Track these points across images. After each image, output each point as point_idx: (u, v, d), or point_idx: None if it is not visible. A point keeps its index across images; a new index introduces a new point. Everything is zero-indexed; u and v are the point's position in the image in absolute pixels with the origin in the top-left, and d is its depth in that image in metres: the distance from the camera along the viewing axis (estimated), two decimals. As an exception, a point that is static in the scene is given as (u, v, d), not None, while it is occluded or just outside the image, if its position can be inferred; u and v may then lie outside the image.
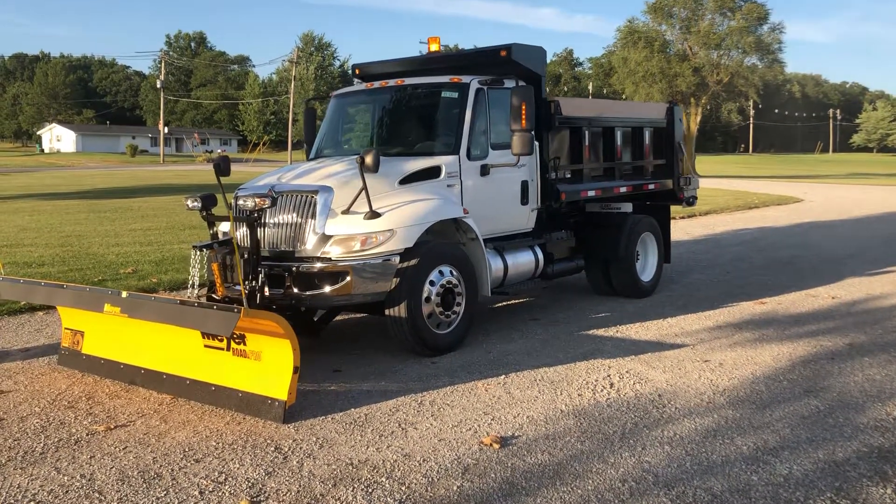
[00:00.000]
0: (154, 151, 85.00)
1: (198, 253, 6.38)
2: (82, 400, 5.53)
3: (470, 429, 4.90)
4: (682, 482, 4.08)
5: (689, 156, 11.54)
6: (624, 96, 52.41)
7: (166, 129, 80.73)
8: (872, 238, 15.56)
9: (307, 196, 6.41)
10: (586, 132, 8.82)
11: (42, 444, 4.68)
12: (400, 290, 6.32)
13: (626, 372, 6.11)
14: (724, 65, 48.61)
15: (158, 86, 79.28)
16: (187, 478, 4.18)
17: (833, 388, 5.69)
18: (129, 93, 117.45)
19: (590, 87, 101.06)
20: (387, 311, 6.41)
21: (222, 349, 5.21)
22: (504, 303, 9.10)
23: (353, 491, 4.01)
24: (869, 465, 4.29)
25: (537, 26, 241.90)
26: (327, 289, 6.19)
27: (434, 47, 8.66)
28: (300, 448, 4.58)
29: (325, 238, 6.29)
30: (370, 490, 4.02)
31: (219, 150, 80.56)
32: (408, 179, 6.78)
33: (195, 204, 6.25)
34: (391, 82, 7.97)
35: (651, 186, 9.78)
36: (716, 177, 43.11)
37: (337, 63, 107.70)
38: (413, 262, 6.37)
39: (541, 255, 8.09)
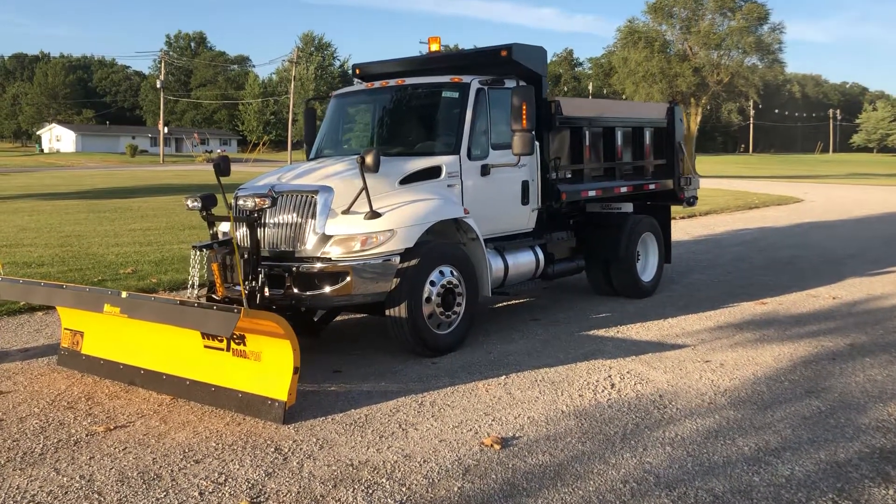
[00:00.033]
0: (154, 151, 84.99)
1: (197, 253, 6.36)
2: (82, 400, 5.51)
3: (471, 429, 4.89)
4: (684, 483, 4.07)
5: (689, 156, 11.51)
6: (624, 96, 52.39)
7: (166, 130, 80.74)
8: (873, 238, 15.55)
9: (307, 196, 6.40)
10: (587, 132, 8.81)
11: (41, 445, 4.66)
12: (400, 290, 6.30)
13: (627, 372, 6.09)
14: (725, 65, 48.62)
15: (158, 86, 79.31)
16: (187, 479, 4.16)
17: (834, 389, 5.68)
18: (129, 93, 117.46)
19: (590, 88, 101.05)
20: (387, 312, 6.39)
21: (222, 349, 5.19)
22: (504, 303, 9.08)
23: (353, 492, 3.99)
24: (871, 466, 4.27)
25: (537, 26, 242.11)
26: (327, 289, 6.17)
27: (434, 47, 8.65)
28: (300, 449, 4.57)
29: (325, 238, 6.28)
30: (370, 491, 4.01)
31: (218, 150, 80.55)
32: (408, 179, 6.77)
33: (195, 204, 6.24)
34: (391, 82, 7.95)
35: (651, 186, 9.77)
36: (716, 177, 43.08)
37: (337, 63, 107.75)
38: (413, 262, 6.36)
39: (541, 256, 8.08)
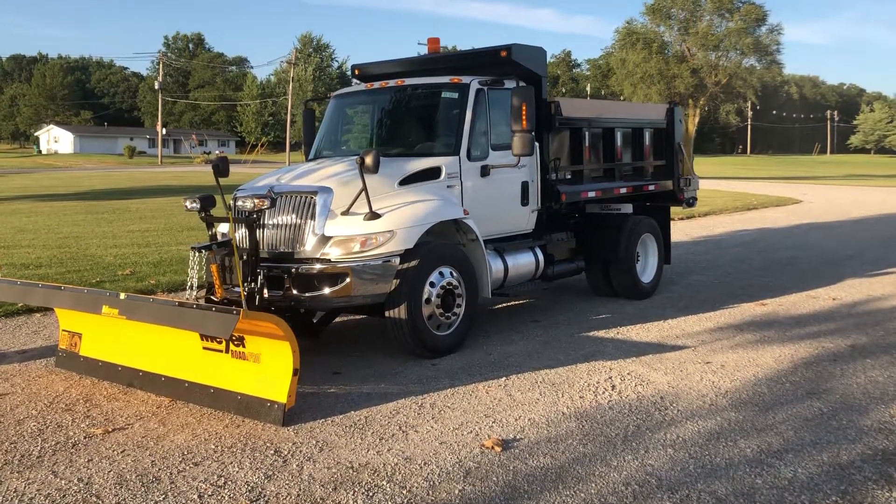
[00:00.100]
0: (152, 153, 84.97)
1: (196, 254, 6.34)
2: (80, 402, 5.48)
3: (471, 431, 4.86)
4: (686, 485, 4.05)
5: (687, 157, 11.51)
6: (622, 97, 52.45)
7: (164, 131, 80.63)
8: (872, 239, 15.55)
9: (306, 197, 6.37)
10: (586, 133, 8.79)
11: (39, 448, 4.63)
12: (400, 291, 6.28)
13: (628, 374, 6.07)
14: (723, 66, 48.70)
15: (156, 87, 79.27)
16: (186, 481, 4.13)
17: (836, 391, 5.66)
18: (127, 94, 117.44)
19: (588, 89, 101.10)
20: (387, 313, 6.37)
21: (221, 351, 5.16)
22: (504, 304, 9.06)
23: (353, 494, 3.97)
24: (874, 468, 4.26)
25: (535, 27, 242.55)
26: (327, 290, 6.15)
27: (434, 48, 8.63)
28: (300, 451, 4.54)
29: (324, 239, 6.25)
30: (371, 494, 3.98)
31: (217, 152, 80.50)
32: (408, 180, 6.74)
33: (193, 205, 6.22)
34: (391, 83, 7.93)
35: (651, 187, 9.75)
36: (714, 178, 43.09)
37: (335, 64, 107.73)
38: (413, 263, 6.33)
39: (541, 257, 8.06)
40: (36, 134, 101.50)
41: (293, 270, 6.21)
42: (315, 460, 4.41)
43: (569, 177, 8.61)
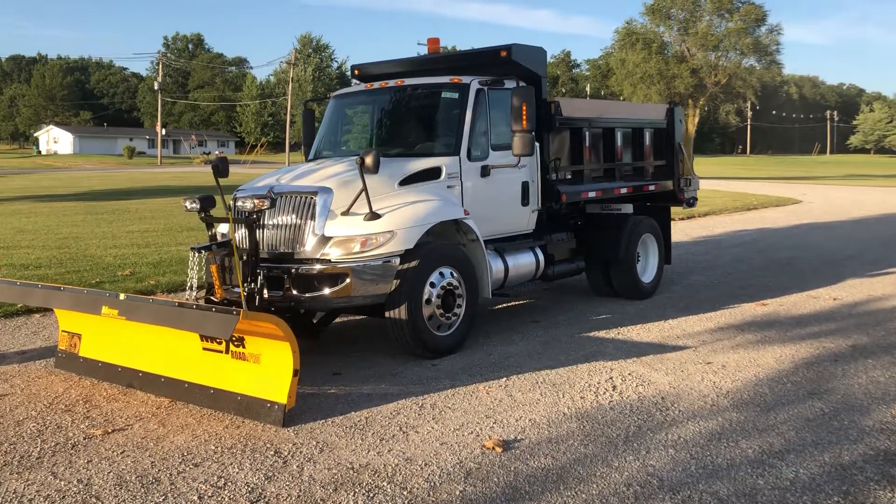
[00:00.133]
0: (151, 153, 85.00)
1: (196, 255, 6.33)
2: (79, 403, 5.47)
3: (472, 432, 4.85)
4: (688, 486, 4.04)
5: (687, 157, 11.51)
6: (622, 98, 52.46)
7: (164, 131, 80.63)
8: (872, 239, 15.54)
9: (306, 197, 6.36)
10: (587, 133, 8.78)
11: (38, 449, 4.62)
12: (400, 291, 6.26)
13: (629, 374, 6.06)
14: (722, 66, 48.71)
15: (156, 87, 79.27)
16: (186, 483, 4.12)
17: (837, 391, 5.65)
18: (127, 94, 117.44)
19: (587, 89, 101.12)
20: (387, 314, 6.36)
21: (221, 352, 5.15)
22: (504, 304, 9.05)
23: (354, 496, 3.95)
24: (876, 469, 4.24)
25: (535, 28, 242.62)
26: (327, 291, 6.13)
27: (434, 48, 8.61)
28: (300, 452, 4.53)
29: (324, 239, 6.24)
30: (371, 495, 3.97)
31: (216, 152, 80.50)
32: (408, 180, 6.73)
33: (193, 205, 6.21)
34: (391, 83, 7.92)
35: (651, 187, 9.74)
36: (714, 178, 43.09)
37: (335, 65, 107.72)
38: (413, 263, 6.32)
39: (541, 257, 8.05)
40: (35, 134, 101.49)
41: (293, 271, 6.20)
42: (315, 461, 4.40)
43: (569, 177, 8.60)
